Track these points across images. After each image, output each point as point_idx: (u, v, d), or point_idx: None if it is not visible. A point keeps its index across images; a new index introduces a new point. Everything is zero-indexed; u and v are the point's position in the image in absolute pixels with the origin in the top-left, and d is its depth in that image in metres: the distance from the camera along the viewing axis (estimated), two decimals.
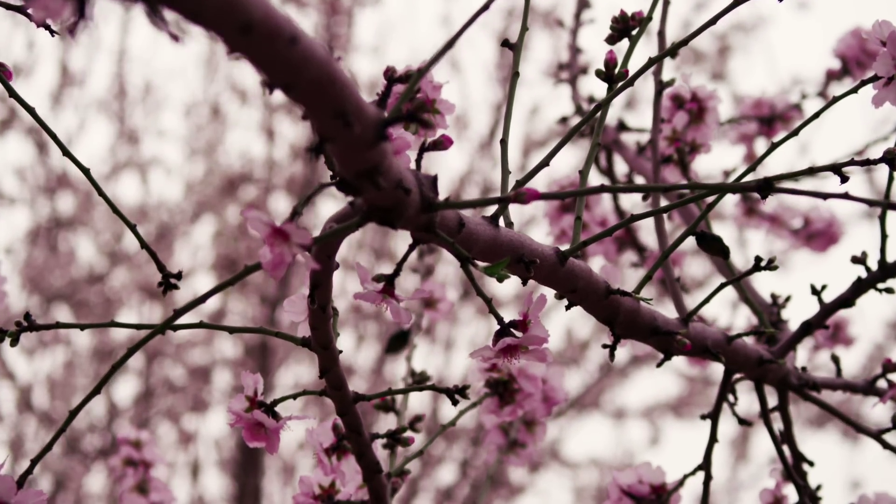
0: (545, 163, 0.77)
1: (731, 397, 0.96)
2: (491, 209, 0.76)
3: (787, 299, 1.01)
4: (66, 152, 0.84)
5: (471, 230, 0.73)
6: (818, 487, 0.99)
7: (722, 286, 0.88)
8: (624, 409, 3.98)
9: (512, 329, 0.74)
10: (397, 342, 1.11)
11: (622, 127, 1.21)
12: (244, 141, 3.79)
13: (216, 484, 3.85)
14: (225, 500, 3.74)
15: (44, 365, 3.62)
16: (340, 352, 0.82)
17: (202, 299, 0.71)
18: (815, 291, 0.93)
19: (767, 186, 0.68)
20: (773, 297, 1.02)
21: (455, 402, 0.87)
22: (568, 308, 0.83)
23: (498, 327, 0.74)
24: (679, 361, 3.91)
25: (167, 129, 4.18)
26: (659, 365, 0.88)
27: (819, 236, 1.33)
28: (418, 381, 1.03)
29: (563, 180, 1.17)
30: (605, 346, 0.86)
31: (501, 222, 0.76)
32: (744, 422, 0.97)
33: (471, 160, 3.84)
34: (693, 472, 0.94)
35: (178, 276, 0.88)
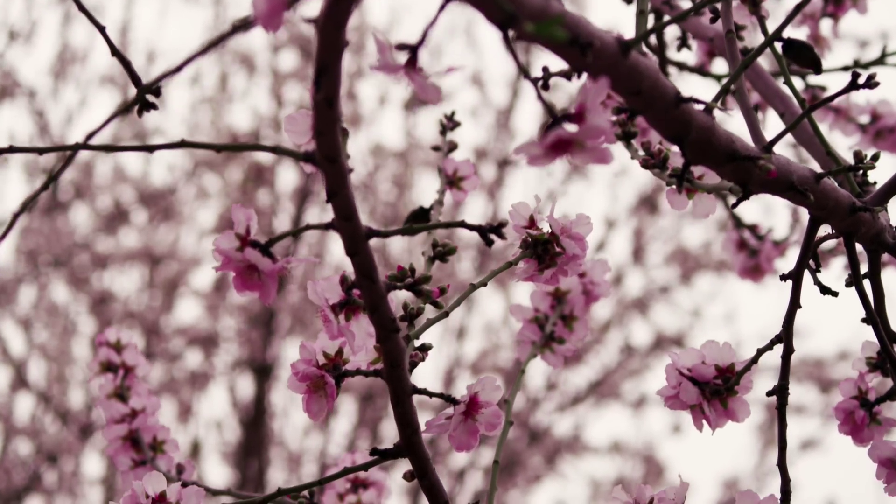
0: None
1: (812, 263, 0.81)
2: None
3: (875, 157, 0.86)
4: None
5: None
6: None
7: (810, 109, 0.74)
8: (645, 396, 3.82)
9: (566, 121, 0.59)
10: (417, 219, 0.96)
11: None
12: (251, 106, 3.67)
13: (218, 473, 3.71)
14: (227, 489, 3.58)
15: (39, 337, 3.48)
16: (351, 170, 0.67)
17: (178, 69, 0.57)
18: None
19: None
20: (857, 155, 0.87)
21: (489, 243, 0.72)
22: (630, 117, 0.68)
23: (549, 120, 0.60)
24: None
25: (172, 101, 4.06)
26: (735, 205, 0.73)
27: (889, 134, 1.18)
28: (442, 252, 0.88)
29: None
30: (671, 176, 0.72)
31: None
32: (827, 290, 0.82)
33: (488, 134, 3.70)
34: (770, 346, 0.78)
35: (157, 91, 0.73)
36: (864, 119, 1.19)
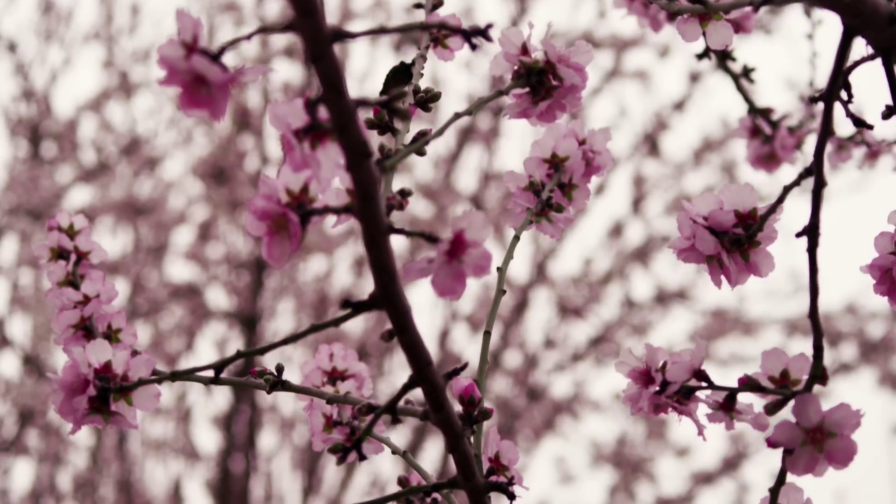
0: None
1: (844, 94, 0.71)
2: None
3: None
4: None
5: None
6: None
7: None
8: None
9: None
10: (398, 76, 0.86)
11: None
12: (238, 53, 3.56)
13: (207, 437, 3.61)
14: (216, 454, 3.49)
15: (21, 293, 3.39)
16: None
17: None
18: None
19: None
20: None
21: (473, 47, 0.62)
22: None
23: None
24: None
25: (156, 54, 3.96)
26: (756, 9, 0.63)
27: None
28: (426, 98, 0.79)
29: None
30: None
31: None
32: (861, 122, 0.72)
33: (483, 84, 3.59)
34: (798, 181, 0.69)
35: None
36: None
